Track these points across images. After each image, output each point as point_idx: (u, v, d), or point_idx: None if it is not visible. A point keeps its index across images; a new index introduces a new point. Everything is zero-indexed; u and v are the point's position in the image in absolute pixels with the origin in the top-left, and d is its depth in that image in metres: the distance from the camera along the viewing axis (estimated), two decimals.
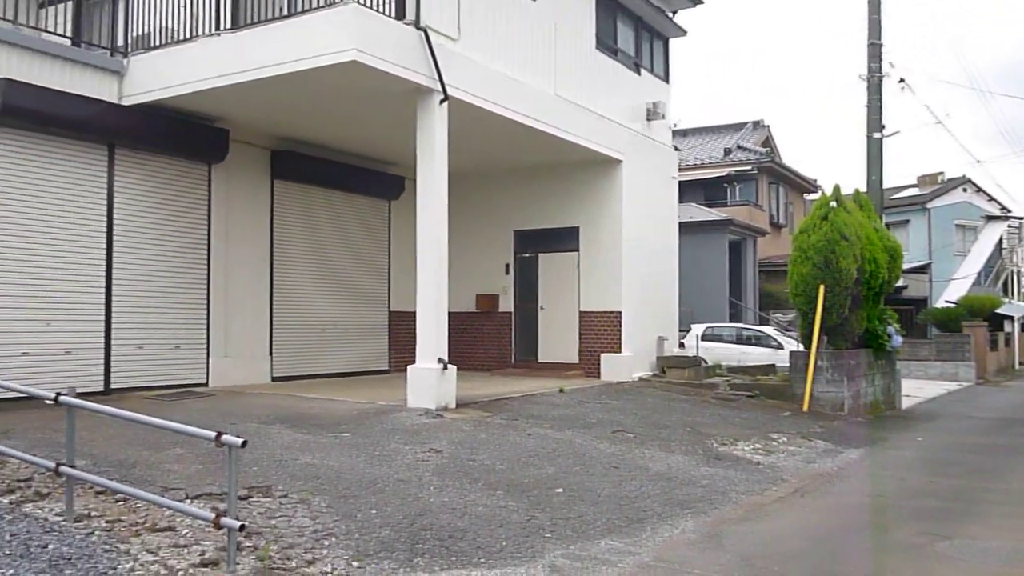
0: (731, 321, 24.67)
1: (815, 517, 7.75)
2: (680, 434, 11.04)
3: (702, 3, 19.34)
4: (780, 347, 20.46)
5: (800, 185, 36.14)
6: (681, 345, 19.62)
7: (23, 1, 12.66)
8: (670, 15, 18.89)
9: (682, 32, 19.20)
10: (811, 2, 77.70)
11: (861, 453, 11.26)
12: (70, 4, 14.29)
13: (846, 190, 16.07)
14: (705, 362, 18.36)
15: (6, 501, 6.35)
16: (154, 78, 12.04)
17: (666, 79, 19.07)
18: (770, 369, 18.18)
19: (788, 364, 15.68)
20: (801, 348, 15.62)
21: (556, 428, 10.57)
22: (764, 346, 21.08)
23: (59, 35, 12.92)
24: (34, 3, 14.32)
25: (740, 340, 21.64)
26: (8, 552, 5.12)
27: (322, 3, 10.89)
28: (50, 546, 5.28)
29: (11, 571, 4.86)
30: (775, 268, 28.62)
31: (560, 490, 7.64)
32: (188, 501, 6.37)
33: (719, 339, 21.52)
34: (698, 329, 21.47)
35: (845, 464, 10.35)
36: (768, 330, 22.36)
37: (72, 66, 11.73)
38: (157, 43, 12.26)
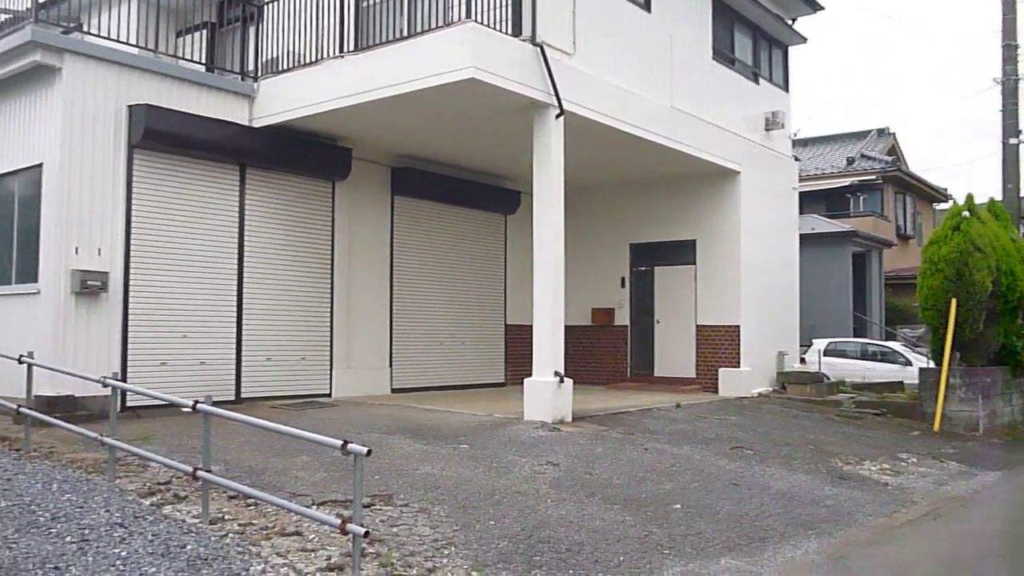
0: (855, 336, 23.82)
1: (948, 543, 7.42)
2: (802, 452, 10.74)
3: (823, 8, 18.85)
4: (908, 363, 19.63)
5: (929, 195, 34.64)
6: (802, 360, 19.07)
7: (162, 31, 13.43)
8: (789, 22, 18.49)
9: (802, 39, 18.77)
10: (938, 3, 74.54)
11: (998, 476, 10.70)
12: (204, 32, 15.08)
13: (980, 199, 15.35)
14: (828, 378, 17.78)
15: (148, 503, 6.73)
16: (282, 100, 12.57)
17: (785, 88, 18.66)
18: (897, 386, 17.46)
19: (917, 381, 15.05)
20: (931, 364, 14.98)
21: (673, 443, 10.45)
22: (891, 362, 20.26)
23: (194, 62, 13.63)
24: (172, 32, 15.18)
25: (865, 356, 20.87)
26: (151, 551, 5.42)
27: (440, 23, 11.15)
28: (188, 547, 5.56)
29: (153, 569, 5.16)
30: (903, 281, 27.50)
31: (678, 506, 7.56)
32: (315, 507, 6.60)
33: (843, 354, 20.81)
34: (820, 344, 20.83)
35: (981, 487, 9.86)
36: (895, 346, 21.49)
37: (206, 91, 12.36)
38: (285, 67, 12.79)
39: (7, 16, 11.98)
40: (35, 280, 11.05)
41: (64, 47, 10.95)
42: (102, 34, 11.67)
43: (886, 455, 11.12)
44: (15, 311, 11.34)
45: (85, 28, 12.30)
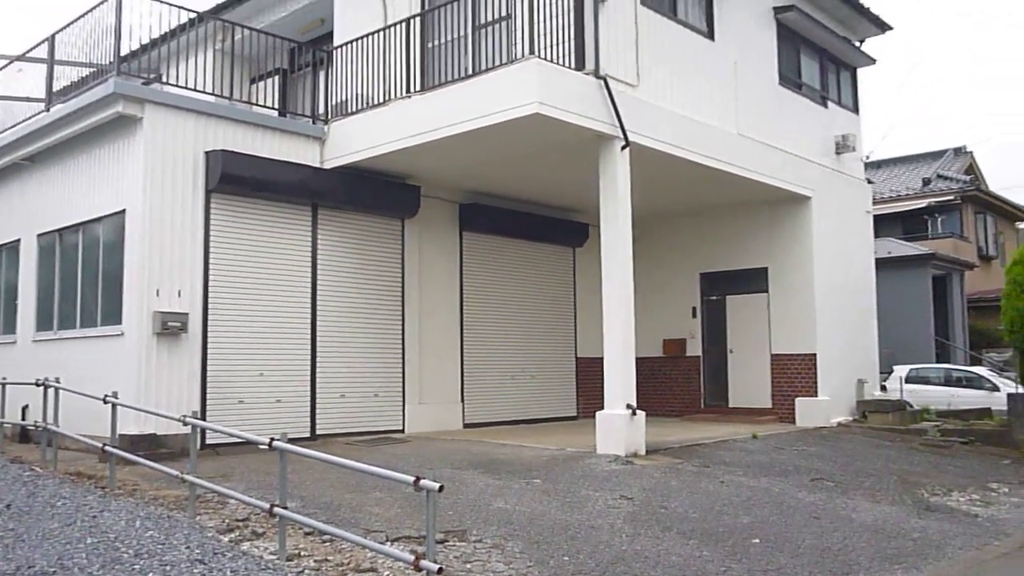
0: (938, 362, 23.07)
1: None
2: (886, 483, 10.41)
3: (891, 28, 18.52)
4: (995, 389, 18.92)
5: (1011, 213, 33.56)
6: (883, 388, 18.55)
7: (237, 78, 13.88)
8: (857, 44, 18.22)
9: (870, 60, 18.46)
10: (1009, 21, 72.55)
11: None
12: (277, 78, 15.54)
13: None
14: (911, 406, 17.24)
15: (226, 539, 6.85)
16: (351, 142, 12.84)
17: (855, 110, 18.35)
18: (985, 413, 16.83)
19: (1006, 407, 14.48)
20: (1020, 390, 14.39)
21: (750, 475, 10.23)
22: (977, 388, 19.56)
23: (267, 107, 14.05)
24: (246, 79, 15.69)
25: (949, 382, 20.19)
26: None
27: (504, 60, 11.29)
28: None
29: None
30: (986, 304, 26.60)
31: (757, 540, 7.38)
32: (389, 543, 6.63)
33: (925, 381, 20.18)
34: (901, 371, 20.24)
35: None
36: (981, 371, 20.75)
37: (279, 135, 12.70)
38: (354, 109, 13.08)
39: (92, 69, 12.50)
40: (119, 322, 11.43)
41: (144, 97, 11.39)
42: (180, 84, 12.12)
43: (975, 485, 10.70)
44: (101, 352, 11.74)
45: (164, 78, 12.80)
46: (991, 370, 21.17)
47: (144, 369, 11.02)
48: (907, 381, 19.71)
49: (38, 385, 10.57)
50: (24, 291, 13.81)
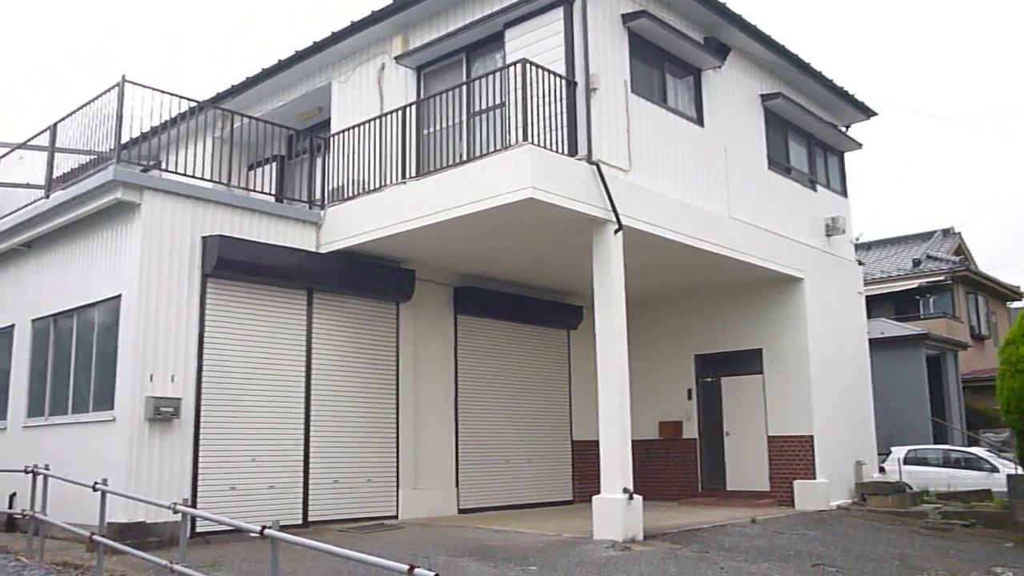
0: (935, 442, 22.93)
1: None
2: (889, 567, 10.23)
3: (876, 114, 18.96)
4: (995, 470, 18.77)
5: (1002, 293, 33.80)
6: (881, 470, 18.39)
7: (235, 165, 14.08)
8: (843, 129, 18.62)
9: (857, 145, 18.85)
10: (991, 103, 74.32)
11: None
12: (274, 164, 15.79)
13: None
14: (910, 487, 17.06)
15: None
16: (347, 226, 12.98)
17: (844, 193, 18.65)
18: (985, 494, 16.64)
19: (1006, 488, 14.33)
20: (1019, 470, 14.28)
21: (751, 561, 10.06)
22: (976, 469, 19.39)
23: (265, 193, 14.22)
24: (244, 166, 15.93)
25: (948, 463, 20.03)
26: None
27: (499, 146, 11.51)
28: None
29: None
30: (981, 383, 26.56)
31: None
32: None
33: (924, 462, 20.02)
34: (899, 452, 20.08)
35: None
36: (979, 451, 20.60)
37: (276, 220, 12.84)
38: (350, 194, 13.26)
39: (92, 157, 12.69)
40: (111, 407, 11.34)
41: (143, 184, 11.55)
42: (179, 170, 12.30)
43: (979, 569, 10.53)
44: (92, 438, 11.61)
45: (163, 165, 12.99)
46: (989, 451, 21.02)
47: (135, 455, 10.89)
48: (905, 462, 19.55)
49: (27, 472, 10.45)
50: (16, 377, 13.74)
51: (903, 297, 29.89)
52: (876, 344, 19.94)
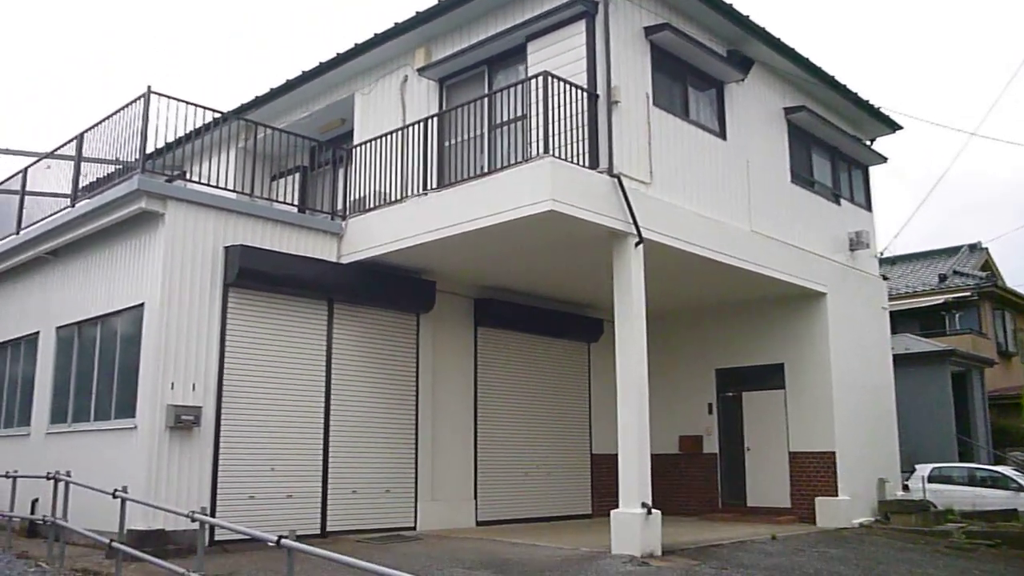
0: (960, 460, 22.63)
1: None
2: None
3: (901, 128, 18.82)
4: (1021, 489, 18.51)
5: None
6: (905, 488, 18.16)
7: (258, 176, 14.19)
8: (868, 143, 18.50)
9: (882, 159, 18.71)
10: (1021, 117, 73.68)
11: None
12: (297, 175, 15.90)
13: None
14: (934, 506, 16.84)
15: None
16: (368, 237, 13.03)
17: (868, 207, 18.50)
18: (1011, 514, 16.42)
19: None
20: None
21: None
22: (1002, 488, 19.11)
23: (287, 203, 14.31)
24: (267, 176, 16.05)
25: (973, 482, 19.75)
26: None
27: (520, 159, 11.52)
28: None
29: None
30: (1008, 400, 26.19)
31: None
32: None
33: (948, 480, 19.75)
34: (923, 470, 19.82)
35: None
36: (1005, 470, 20.28)
37: (298, 230, 12.91)
38: (371, 205, 13.31)
39: (118, 166, 12.83)
40: (132, 415, 11.42)
41: (167, 194, 11.66)
42: (203, 180, 12.40)
43: None
44: (113, 446, 11.70)
45: (188, 175, 13.11)
46: (1016, 470, 20.70)
47: (155, 463, 10.96)
48: (930, 480, 19.30)
49: (48, 478, 10.54)
50: (40, 384, 13.88)
51: (929, 313, 29.56)
52: (901, 360, 19.72)
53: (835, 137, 17.21)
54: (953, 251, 32.89)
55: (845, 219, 17.39)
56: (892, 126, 18.70)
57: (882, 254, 20.61)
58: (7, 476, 11.77)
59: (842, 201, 17.49)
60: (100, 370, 12.53)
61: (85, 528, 9.85)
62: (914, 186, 73.82)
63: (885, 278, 19.20)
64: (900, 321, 25.72)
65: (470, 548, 11.62)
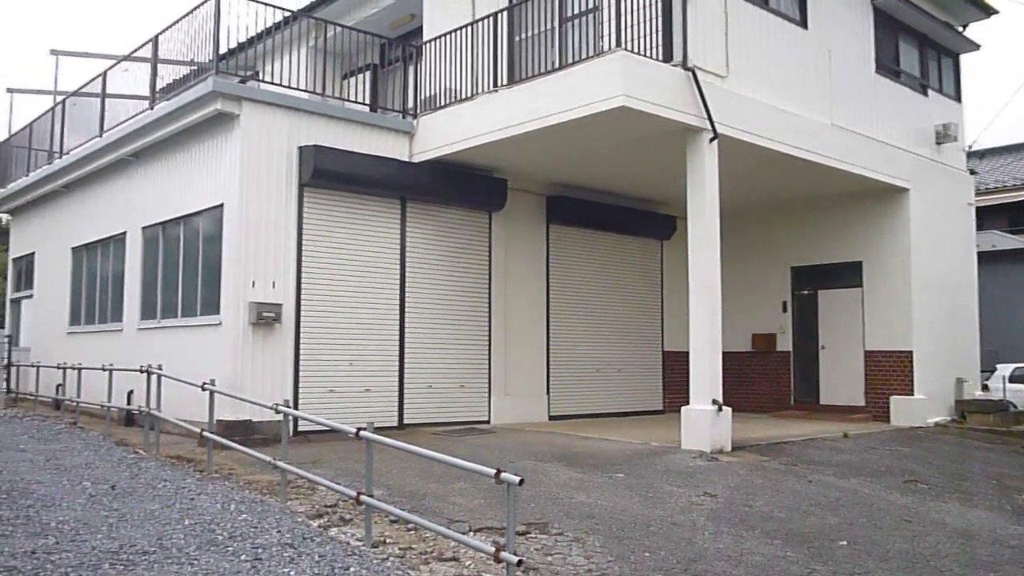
0: None
1: None
2: (983, 487, 10.05)
3: (996, 12, 17.75)
4: None
5: None
6: (984, 387, 17.85)
7: (329, 75, 14.19)
8: (959, 29, 17.53)
9: (974, 47, 17.74)
10: None
11: None
12: (368, 74, 15.84)
13: None
14: (1014, 406, 16.55)
15: (315, 524, 7.07)
16: (440, 135, 13.01)
17: (957, 98, 17.66)
18: None
19: None
20: None
21: (839, 475, 10.01)
22: None
23: (359, 103, 14.32)
24: (338, 75, 16.03)
25: None
26: (316, 572, 5.69)
27: (591, 53, 11.26)
28: (351, 569, 5.80)
29: None
30: None
31: (844, 543, 7.23)
32: (471, 533, 6.74)
33: None
34: (1005, 370, 19.40)
35: None
36: None
37: (370, 129, 12.96)
38: (442, 103, 13.24)
39: (193, 68, 12.97)
40: (217, 312, 11.87)
41: (241, 95, 11.78)
42: (275, 81, 12.47)
43: None
44: (200, 340, 12.22)
45: (260, 75, 13.19)
46: None
47: (240, 358, 11.43)
48: (1011, 380, 18.89)
49: (141, 372, 11.08)
50: (130, 282, 14.47)
51: (1018, 208, 28.37)
52: (986, 257, 19.13)
53: (924, 23, 16.34)
54: None
55: (932, 111, 16.66)
56: (986, 10, 17.63)
57: (971, 147, 19.76)
58: (104, 369, 12.40)
59: (929, 92, 16.73)
60: (185, 269, 12.99)
61: (177, 418, 10.40)
62: (1009, 75, 69.82)
63: (973, 172, 18.45)
64: (987, 217, 24.76)
65: (542, 441, 11.93)
